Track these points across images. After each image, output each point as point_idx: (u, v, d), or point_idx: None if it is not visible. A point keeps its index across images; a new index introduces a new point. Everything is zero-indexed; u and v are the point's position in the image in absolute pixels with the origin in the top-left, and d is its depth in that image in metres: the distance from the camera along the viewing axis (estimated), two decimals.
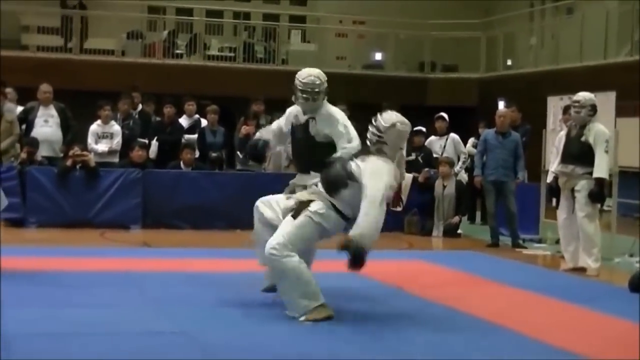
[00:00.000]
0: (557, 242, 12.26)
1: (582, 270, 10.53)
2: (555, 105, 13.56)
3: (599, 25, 21.40)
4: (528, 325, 7.14)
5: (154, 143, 14.83)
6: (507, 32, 25.66)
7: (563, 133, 11.71)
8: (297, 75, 8.09)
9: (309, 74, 8.05)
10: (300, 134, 8.20)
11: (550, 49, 23.79)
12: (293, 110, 8.35)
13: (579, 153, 10.46)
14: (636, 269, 9.52)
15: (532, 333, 6.82)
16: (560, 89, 15.09)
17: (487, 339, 6.69)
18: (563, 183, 10.67)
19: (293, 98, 8.12)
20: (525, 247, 12.85)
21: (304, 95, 8.00)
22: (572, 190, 10.51)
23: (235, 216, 13.61)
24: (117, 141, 14.11)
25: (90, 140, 14.02)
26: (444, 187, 14.03)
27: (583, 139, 10.45)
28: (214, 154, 14.51)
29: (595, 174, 10.31)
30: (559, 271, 10.78)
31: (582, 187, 10.41)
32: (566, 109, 12.14)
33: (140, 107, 15.24)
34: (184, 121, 15.21)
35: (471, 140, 15.53)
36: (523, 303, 8.21)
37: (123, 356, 5.76)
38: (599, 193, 10.38)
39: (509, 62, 25.77)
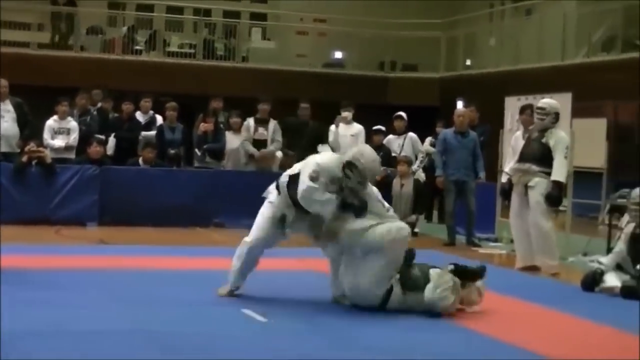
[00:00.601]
0: (512, 241, 12.38)
1: (535, 269, 10.64)
2: (512, 105, 13.66)
3: (557, 26, 21.60)
4: (482, 323, 7.21)
5: (112, 139, 14.75)
6: (467, 33, 25.81)
7: (519, 133, 11.80)
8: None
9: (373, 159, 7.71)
10: None
11: (509, 49, 23.96)
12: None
13: (537, 153, 10.56)
14: (590, 268, 9.61)
15: (488, 331, 6.88)
16: (520, 90, 15.21)
17: (447, 336, 6.76)
18: (517, 179, 10.75)
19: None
20: (480, 246, 12.97)
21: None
22: (526, 186, 10.60)
23: (195, 213, 13.63)
24: (74, 137, 13.99)
25: (47, 135, 13.90)
26: (402, 186, 14.07)
27: (544, 140, 10.55)
28: (172, 151, 14.46)
29: (554, 177, 10.41)
30: (514, 270, 10.87)
31: (536, 183, 10.51)
32: (523, 110, 12.23)
33: (99, 104, 15.13)
34: (139, 118, 15.12)
35: (428, 140, 15.59)
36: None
37: (81, 355, 5.71)
38: (557, 196, 10.50)
39: (469, 62, 25.91)
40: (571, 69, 20.38)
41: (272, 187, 7.90)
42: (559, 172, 10.43)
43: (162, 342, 6.17)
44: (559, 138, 10.55)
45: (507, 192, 11.13)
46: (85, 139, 14.01)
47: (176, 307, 7.36)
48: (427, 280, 7.43)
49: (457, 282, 7.49)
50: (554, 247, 10.62)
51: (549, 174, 10.46)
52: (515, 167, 10.88)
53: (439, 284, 7.39)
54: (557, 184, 10.44)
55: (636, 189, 9.44)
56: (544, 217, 10.54)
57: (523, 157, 10.75)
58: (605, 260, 9.36)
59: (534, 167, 10.55)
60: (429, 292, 7.38)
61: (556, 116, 10.64)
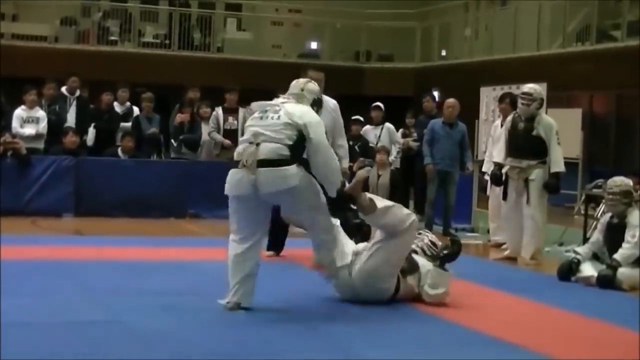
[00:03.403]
0: (489, 231, 12.43)
1: (513, 259, 10.69)
2: (488, 95, 13.70)
3: (532, 17, 21.68)
4: (456, 312, 7.24)
5: (91, 130, 14.66)
6: (442, 23, 25.85)
7: (498, 122, 11.80)
8: None
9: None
10: None
11: (484, 40, 24.02)
12: None
13: (530, 148, 10.54)
14: (566, 258, 9.67)
15: (463, 321, 6.90)
16: (495, 80, 15.23)
17: (423, 328, 6.78)
18: (516, 174, 10.71)
19: None
20: (457, 237, 12.98)
21: None
22: (526, 180, 10.60)
23: (170, 204, 13.61)
24: (43, 125, 13.82)
25: (16, 124, 13.70)
26: (379, 176, 14.08)
27: (534, 133, 10.54)
28: (149, 132, 14.39)
29: (555, 169, 10.50)
30: (490, 260, 10.91)
31: (537, 175, 10.55)
32: (502, 98, 12.23)
33: (78, 92, 14.91)
34: (116, 109, 15.02)
35: (400, 131, 15.58)
36: (456, 292, 8.29)
37: (57, 346, 5.69)
38: (556, 184, 10.58)
39: (444, 53, 25.96)
40: (546, 59, 20.46)
41: None
42: (558, 162, 10.51)
43: (136, 333, 6.15)
44: (547, 125, 10.56)
45: (499, 178, 11.07)
46: (54, 128, 13.88)
47: (151, 297, 7.33)
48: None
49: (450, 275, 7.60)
50: (542, 239, 10.71)
51: (544, 162, 10.52)
52: (510, 163, 10.78)
53: (438, 283, 7.48)
54: (557, 174, 10.52)
55: (613, 178, 9.49)
56: (542, 210, 10.63)
57: (516, 153, 10.67)
58: (581, 250, 9.41)
59: (531, 162, 10.57)
60: (428, 290, 7.52)
61: (541, 102, 10.65)
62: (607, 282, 8.80)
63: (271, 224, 9.62)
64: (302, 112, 6.94)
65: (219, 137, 14.14)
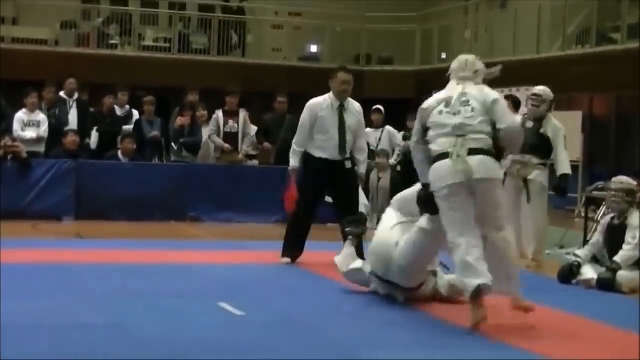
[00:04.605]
0: None
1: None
2: None
3: (532, 19, 21.67)
4: (461, 315, 7.23)
5: (94, 134, 14.66)
6: (442, 26, 25.85)
7: None
8: None
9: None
10: None
11: (484, 42, 24.01)
12: None
13: (536, 144, 10.52)
14: (567, 260, 9.66)
15: (465, 323, 6.90)
16: (495, 82, 15.18)
17: (422, 329, 6.78)
18: (515, 171, 10.70)
19: None
20: None
21: None
22: (525, 181, 10.59)
23: (171, 207, 13.60)
24: (44, 129, 13.82)
25: (17, 127, 13.72)
26: (379, 179, 14.10)
27: (542, 131, 10.56)
28: (151, 135, 14.41)
29: (562, 171, 10.49)
30: None
31: (537, 176, 10.55)
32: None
33: (76, 95, 14.91)
34: (116, 112, 15.04)
35: (402, 134, 15.57)
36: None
37: (57, 349, 5.70)
38: (564, 187, 10.59)
39: (444, 56, 25.95)
40: (546, 61, 20.46)
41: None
42: (565, 164, 10.51)
43: (137, 335, 6.16)
44: (555, 128, 10.58)
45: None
46: (57, 132, 13.88)
47: (152, 300, 7.34)
48: None
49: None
50: (543, 240, 10.70)
51: (545, 165, 10.53)
52: (514, 158, 10.79)
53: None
54: (564, 176, 10.52)
55: (617, 177, 9.50)
56: (543, 211, 10.63)
57: (522, 148, 10.68)
58: (582, 252, 9.40)
59: (534, 160, 10.56)
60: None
61: (550, 104, 10.68)
62: (607, 284, 8.80)
63: (289, 228, 9.69)
64: (491, 99, 7.07)
65: (219, 140, 14.10)
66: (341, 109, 9.57)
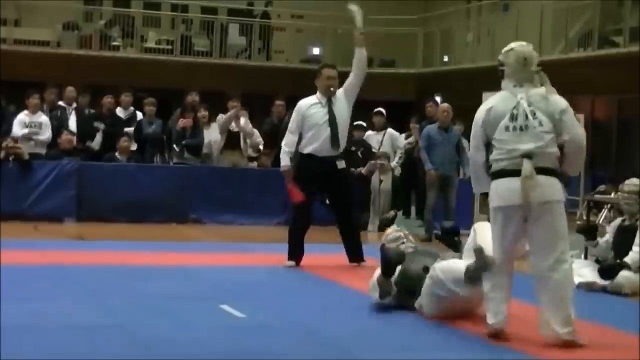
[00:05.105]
0: None
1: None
2: None
3: (534, 22, 21.65)
4: (461, 317, 7.23)
5: (99, 134, 14.66)
6: (444, 28, 25.85)
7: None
8: None
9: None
10: None
11: (486, 45, 24.00)
12: None
13: None
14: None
15: (466, 325, 6.90)
16: (497, 85, 15.17)
17: (421, 331, 6.78)
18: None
19: None
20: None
21: None
22: None
23: (172, 209, 13.60)
24: (48, 135, 13.79)
25: (17, 129, 13.70)
26: (381, 181, 14.10)
27: None
28: (150, 129, 14.41)
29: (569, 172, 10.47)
30: None
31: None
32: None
33: (75, 104, 14.89)
34: (119, 114, 15.05)
35: (403, 136, 15.59)
36: None
37: (59, 350, 5.70)
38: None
39: (446, 58, 25.97)
40: (548, 64, 20.18)
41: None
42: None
43: (138, 337, 6.16)
44: None
45: None
46: (58, 132, 13.88)
47: (153, 302, 7.35)
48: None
49: None
50: None
51: None
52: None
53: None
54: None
55: (631, 179, 9.49)
56: None
57: None
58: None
59: None
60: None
61: None
62: (609, 270, 8.81)
63: (290, 232, 9.68)
64: (559, 109, 6.44)
65: (226, 115, 14.08)
66: (329, 104, 9.72)
